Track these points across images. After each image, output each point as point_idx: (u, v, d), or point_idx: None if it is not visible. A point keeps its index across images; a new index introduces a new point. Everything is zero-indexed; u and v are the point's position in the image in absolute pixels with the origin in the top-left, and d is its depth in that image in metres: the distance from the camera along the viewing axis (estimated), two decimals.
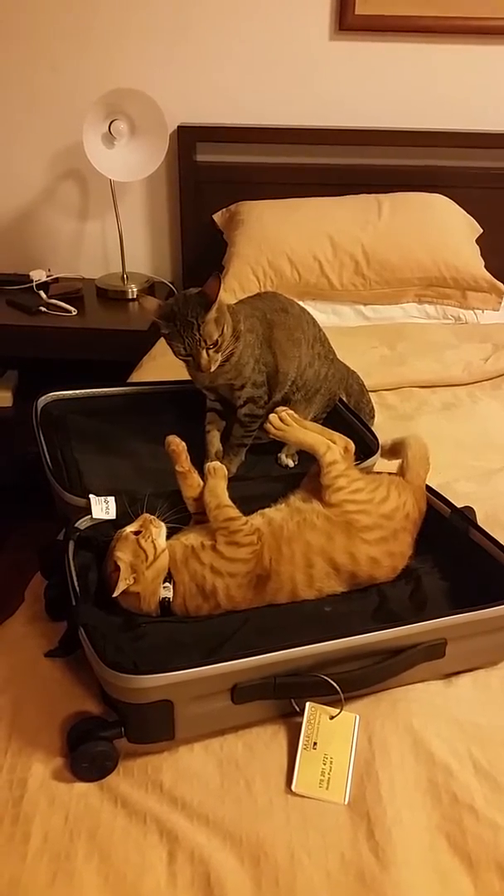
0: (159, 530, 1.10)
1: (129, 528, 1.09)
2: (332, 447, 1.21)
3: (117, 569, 1.03)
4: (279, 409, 1.28)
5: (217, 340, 1.30)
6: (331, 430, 1.27)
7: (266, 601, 1.09)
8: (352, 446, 1.26)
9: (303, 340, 1.47)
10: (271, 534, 1.11)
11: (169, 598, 1.06)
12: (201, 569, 1.07)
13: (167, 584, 1.06)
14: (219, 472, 1.19)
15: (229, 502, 1.14)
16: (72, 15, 2.45)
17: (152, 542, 1.07)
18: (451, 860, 0.85)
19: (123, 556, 1.04)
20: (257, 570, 1.08)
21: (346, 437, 1.27)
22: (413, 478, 1.23)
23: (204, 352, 1.30)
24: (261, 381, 1.41)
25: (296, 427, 1.25)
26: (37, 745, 0.95)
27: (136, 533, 1.08)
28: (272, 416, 1.25)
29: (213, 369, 1.32)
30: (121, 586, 1.02)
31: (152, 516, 1.11)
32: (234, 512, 1.13)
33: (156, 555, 1.06)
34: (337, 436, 1.26)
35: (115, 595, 1.03)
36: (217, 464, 1.21)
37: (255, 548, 1.09)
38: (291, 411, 1.27)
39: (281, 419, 1.25)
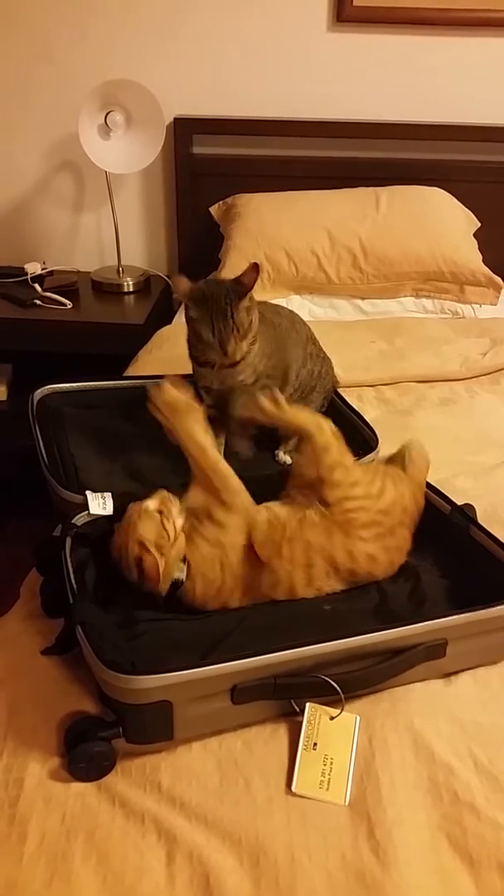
0: (177, 509, 1.07)
1: (151, 505, 1.05)
2: (323, 426, 1.14)
3: (145, 549, 1.00)
4: (268, 391, 1.21)
5: (247, 330, 1.29)
6: (318, 414, 1.20)
7: (262, 594, 1.08)
8: (337, 432, 1.19)
9: (298, 341, 1.47)
10: (273, 529, 1.08)
11: (182, 579, 1.04)
12: (204, 543, 1.05)
13: (181, 563, 1.04)
14: (192, 409, 1.12)
15: (217, 457, 1.11)
16: (68, 5, 2.42)
17: (173, 522, 1.04)
18: (452, 860, 0.84)
19: (149, 536, 1.01)
20: (255, 557, 1.06)
21: (330, 422, 1.18)
22: (413, 472, 1.22)
23: (233, 339, 1.28)
24: (274, 375, 1.40)
25: (287, 408, 1.18)
26: (33, 745, 0.93)
27: (159, 511, 1.04)
28: (264, 399, 1.18)
29: (237, 358, 1.31)
30: (160, 567, 1.00)
31: (169, 494, 1.07)
32: (224, 467, 1.11)
33: (176, 534, 1.03)
34: (322, 418, 1.18)
35: (159, 583, 1.01)
36: (186, 399, 1.13)
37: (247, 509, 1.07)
38: (280, 394, 1.20)
39: (272, 401, 1.17)
